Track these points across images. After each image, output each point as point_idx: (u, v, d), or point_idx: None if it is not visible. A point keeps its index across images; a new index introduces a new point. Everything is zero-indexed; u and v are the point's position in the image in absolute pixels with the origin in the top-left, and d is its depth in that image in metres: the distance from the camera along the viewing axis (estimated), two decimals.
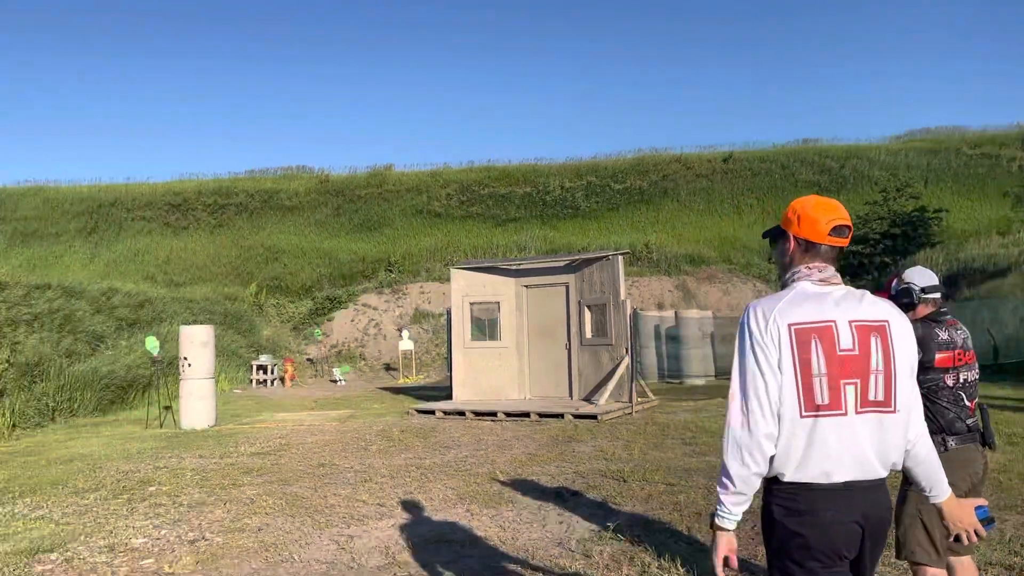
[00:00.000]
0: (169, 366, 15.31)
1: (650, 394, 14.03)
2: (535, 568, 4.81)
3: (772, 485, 2.23)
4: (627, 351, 12.87)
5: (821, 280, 2.28)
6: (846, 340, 2.18)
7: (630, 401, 12.49)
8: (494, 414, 12.48)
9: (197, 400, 12.61)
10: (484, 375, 14.27)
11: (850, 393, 2.15)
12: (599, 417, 11.51)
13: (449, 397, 14.60)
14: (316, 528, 5.89)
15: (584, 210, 36.20)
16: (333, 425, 12.23)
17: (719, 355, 19.85)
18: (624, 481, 7.19)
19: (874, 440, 2.17)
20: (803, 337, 2.17)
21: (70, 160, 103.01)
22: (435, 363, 24.81)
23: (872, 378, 2.17)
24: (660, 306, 25.09)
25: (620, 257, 13.27)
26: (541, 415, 12.12)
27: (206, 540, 5.62)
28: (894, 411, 2.19)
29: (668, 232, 31.85)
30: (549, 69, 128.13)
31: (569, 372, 13.80)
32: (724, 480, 2.20)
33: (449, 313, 15.85)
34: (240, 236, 35.19)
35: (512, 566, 4.86)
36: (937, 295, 3.52)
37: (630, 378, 12.71)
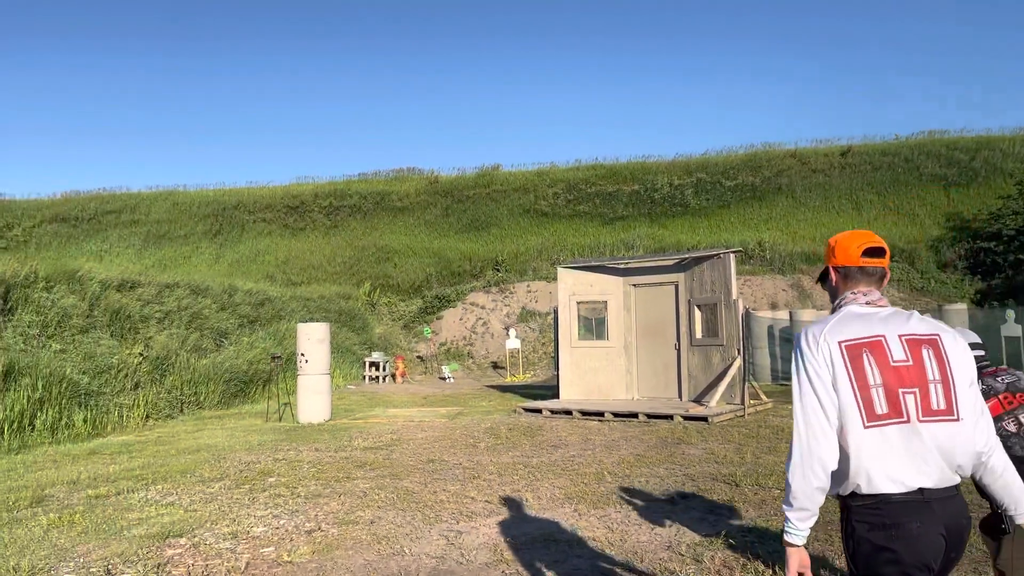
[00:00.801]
0: (287, 362, 15.93)
1: (763, 396, 13.59)
2: (643, 572, 4.72)
3: (850, 502, 2.25)
4: (739, 352, 12.52)
5: (867, 303, 2.37)
6: (898, 352, 2.24)
7: (742, 403, 12.14)
8: (601, 414, 12.38)
9: (313, 395, 13.07)
10: (591, 375, 14.19)
11: (910, 402, 2.19)
12: (710, 419, 11.24)
13: (556, 396, 14.59)
14: (426, 523, 5.98)
15: (694, 208, 35.46)
16: (442, 422, 12.43)
17: None
18: (736, 485, 6.99)
19: (942, 447, 2.19)
20: (854, 352, 2.24)
21: (197, 165, 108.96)
22: (542, 362, 24.87)
23: (932, 388, 2.21)
24: (774, 306, 24.29)
25: (732, 255, 12.92)
26: (649, 416, 11.94)
27: (322, 531, 5.80)
28: (958, 419, 2.21)
29: (782, 229, 30.81)
30: (656, 64, 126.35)
31: (678, 373, 13.54)
32: (788, 497, 2.24)
33: (556, 312, 15.85)
34: (354, 237, 36.30)
35: (620, 569, 4.80)
36: (978, 352, 3.42)
37: (742, 379, 12.36)
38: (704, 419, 11.31)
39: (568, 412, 12.82)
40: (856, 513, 2.22)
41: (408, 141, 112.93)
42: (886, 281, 2.43)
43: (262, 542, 5.54)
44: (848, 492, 2.24)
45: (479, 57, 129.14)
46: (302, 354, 13.25)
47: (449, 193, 40.02)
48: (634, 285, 14.20)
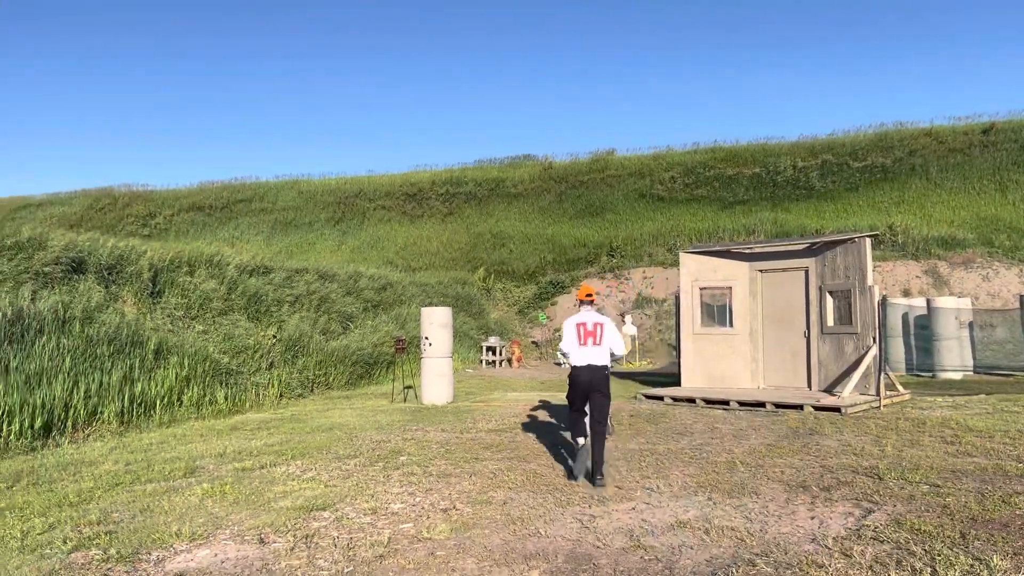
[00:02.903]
0: (409, 345, 16.32)
1: (900, 387, 12.90)
2: (789, 564, 4.56)
3: (572, 367, 7.32)
4: (874, 340, 11.95)
5: (586, 311, 7.48)
6: (591, 327, 7.27)
7: (877, 394, 11.58)
8: (726, 403, 12.09)
9: (436, 377, 13.34)
10: (714, 362, 13.87)
11: (591, 341, 7.21)
12: (843, 410, 10.79)
13: (676, 383, 14.35)
14: (558, 505, 6.00)
15: (819, 191, 34.01)
16: (563, 406, 12.42)
17: (978, 347, 17.94)
18: (879, 479, 6.67)
19: (597, 354, 7.19)
20: (578, 325, 7.31)
21: (321, 155, 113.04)
22: (658, 349, 24.55)
23: (598, 337, 7.24)
24: (906, 293, 23.08)
25: (867, 240, 12.33)
26: (777, 405, 11.57)
27: (457, 510, 5.91)
28: (602, 346, 7.24)
29: (915, 213, 29.17)
30: (779, 42, 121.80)
31: (808, 361, 13.05)
32: (565, 358, 7.61)
33: (677, 298, 15.56)
34: (470, 223, 36.79)
35: (763, 560, 4.65)
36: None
37: (877, 369, 11.79)
38: (837, 410, 10.87)
39: (691, 400, 12.59)
40: (573, 370, 7.26)
41: (522, 128, 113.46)
42: (594, 305, 7.57)
43: (401, 518, 5.68)
44: (571, 363, 7.27)
45: (592, 41, 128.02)
46: (426, 337, 13.53)
47: (563, 179, 39.93)
48: (761, 271, 13.76)
